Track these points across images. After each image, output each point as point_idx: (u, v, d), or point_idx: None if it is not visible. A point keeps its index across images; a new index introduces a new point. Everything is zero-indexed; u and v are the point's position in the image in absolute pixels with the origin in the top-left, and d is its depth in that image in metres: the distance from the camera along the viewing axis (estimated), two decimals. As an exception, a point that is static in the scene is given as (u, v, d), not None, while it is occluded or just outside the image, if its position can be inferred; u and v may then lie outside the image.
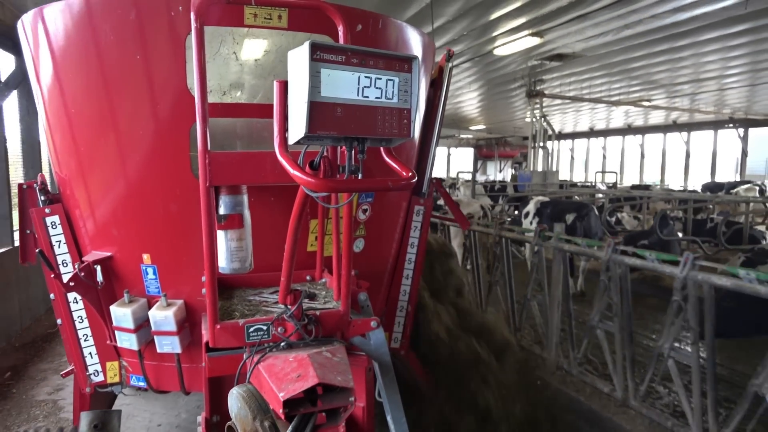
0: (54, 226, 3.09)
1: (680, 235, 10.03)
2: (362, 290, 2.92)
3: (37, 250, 2.98)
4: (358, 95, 1.72)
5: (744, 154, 24.26)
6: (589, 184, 24.96)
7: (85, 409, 3.31)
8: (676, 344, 4.27)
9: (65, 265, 3.12)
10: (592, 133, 32.21)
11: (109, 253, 3.01)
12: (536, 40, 11.57)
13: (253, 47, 2.85)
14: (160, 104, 2.74)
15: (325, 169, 1.95)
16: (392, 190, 3.34)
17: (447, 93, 3.64)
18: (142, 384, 3.20)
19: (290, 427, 2.00)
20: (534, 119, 19.25)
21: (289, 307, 2.37)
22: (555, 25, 10.61)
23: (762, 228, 10.67)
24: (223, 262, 2.45)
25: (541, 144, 20.15)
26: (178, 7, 2.59)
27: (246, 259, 2.48)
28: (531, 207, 10.47)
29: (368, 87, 1.73)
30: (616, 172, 28.03)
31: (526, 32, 11.32)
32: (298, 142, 1.74)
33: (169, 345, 2.93)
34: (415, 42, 3.30)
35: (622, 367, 4.76)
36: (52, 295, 3.18)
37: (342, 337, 2.60)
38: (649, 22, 10.41)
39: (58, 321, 3.22)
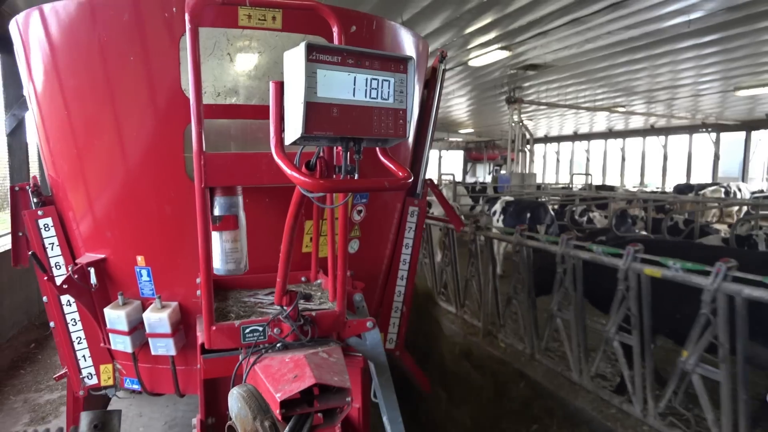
0: (47, 229, 3.07)
1: (643, 233, 10.58)
2: (357, 291, 2.92)
3: (29, 253, 2.97)
4: (353, 96, 1.72)
5: (716, 157, 25.09)
6: (569, 186, 25.69)
7: (78, 413, 3.29)
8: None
9: (58, 267, 3.10)
10: (576, 137, 33.34)
11: (102, 255, 3.00)
12: (506, 53, 12.53)
13: (248, 48, 2.85)
14: (153, 106, 2.74)
15: (321, 169, 1.96)
16: (389, 191, 3.36)
17: (440, 95, 3.65)
18: (136, 387, 3.19)
19: (287, 428, 2.01)
20: (512, 124, 20.19)
21: (285, 308, 2.37)
22: (521, 39, 11.49)
23: (723, 227, 10.93)
24: (218, 264, 2.44)
25: (520, 148, 21.10)
26: (171, 9, 2.59)
27: (241, 260, 2.48)
28: (497, 206, 11.50)
29: (364, 87, 1.74)
30: (590, 174, 29.15)
31: (496, 46, 12.19)
32: (294, 143, 1.74)
33: (163, 347, 2.91)
34: (408, 44, 3.31)
35: (530, 327, 6.01)
36: (45, 298, 3.16)
37: (338, 337, 2.60)
38: (606, 38, 11.34)
39: (51, 324, 3.20)
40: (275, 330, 2.38)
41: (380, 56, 1.76)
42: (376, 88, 1.76)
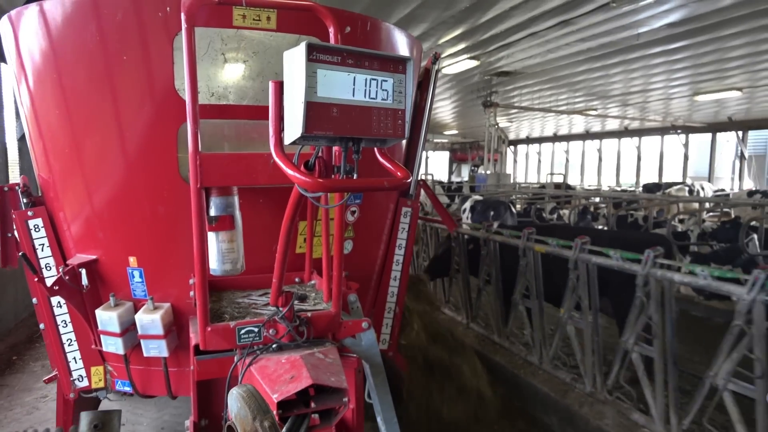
0: (37, 229, 3.03)
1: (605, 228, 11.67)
2: (352, 291, 2.92)
3: (20, 254, 2.93)
4: (353, 96, 1.72)
5: (685, 158, 26.43)
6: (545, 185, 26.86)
7: (69, 416, 3.26)
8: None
9: (49, 268, 3.06)
10: (556, 138, 34.64)
11: (94, 256, 2.97)
12: (475, 62, 13.81)
13: (242, 49, 2.84)
14: (147, 105, 2.72)
15: (320, 169, 1.96)
16: (389, 190, 3.36)
17: (433, 95, 3.66)
18: (127, 389, 3.16)
19: (284, 429, 2.00)
20: (488, 126, 21.23)
21: (281, 308, 2.36)
22: (488, 50, 12.58)
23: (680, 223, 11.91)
24: (215, 264, 2.43)
25: (496, 149, 22.48)
26: (165, 8, 2.58)
27: (237, 260, 2.46)
28: (467, 204, 12.75)
29: (363, 88, 1.74)
30: (562, 174, 31.04)
31: (465, 56, 13.16)
32: (293, 143, 1.74)
33: (155, 349, 2.89)
34: (402, 44, 3.32)
35: (465, 301, 6.92)
36: (34, 300, 3.12)
37: (333, 338, 2.60)
38: (566, 48, 12.29)
39: (41, 326, 3.16)
40: (271, 331, 2.37)
41: (380, 57, 1.76)
42: (375, 89, 1.76)
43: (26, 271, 2.98)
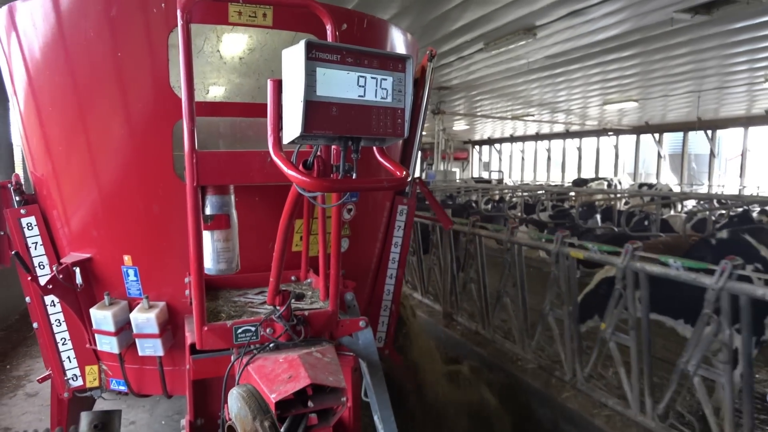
0: (30, 228, 3.00)
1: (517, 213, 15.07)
2: (348, 290, 2.91)
3: (12, 252, 2.90)
4: (353, 94, 1.71)
5: (616, 156, 30.00)
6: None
7: (63, 416, 3.23)
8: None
9: (42, 267, 3.03)
10: (513, 139, 38.55)
11: (88, 255, 2.94)
12: None
13: (237, 45, 2.82)
14: (141, 103, 2.69)
15: (318, 168, 1.94)
16: (388, 189, 3.36)
17: (429, 93, 3.64)
18: (122, 388, 3.14)
19: (282, 429, 1.99)
20: (436, 130, 24.66)
21: (278, 307, 2.35)
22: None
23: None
24: (210, 263, 2.41)
25: (444, 149, 27.01)
26: (160, 4, 2.55)
27: (233, 259, 2.45)
28: None
29: (363, 86, 1.72)
30: (502, 171, 37.23)
31: None
32: (292, 142, 1.72)
33: (151, 348, 2.87)
34: (398, 41, 3.31)
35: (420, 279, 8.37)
36: (27, 299, 3.09)
37: (330, 337, 2.59)
38: (492, 68, 14.42)
39: (35, 325, 3.13)
40: (268, 330, 2.36)
41: (379, 55, 1.75)
42: (375, 87, 1.74)
43: (19, 270, 2.95)
